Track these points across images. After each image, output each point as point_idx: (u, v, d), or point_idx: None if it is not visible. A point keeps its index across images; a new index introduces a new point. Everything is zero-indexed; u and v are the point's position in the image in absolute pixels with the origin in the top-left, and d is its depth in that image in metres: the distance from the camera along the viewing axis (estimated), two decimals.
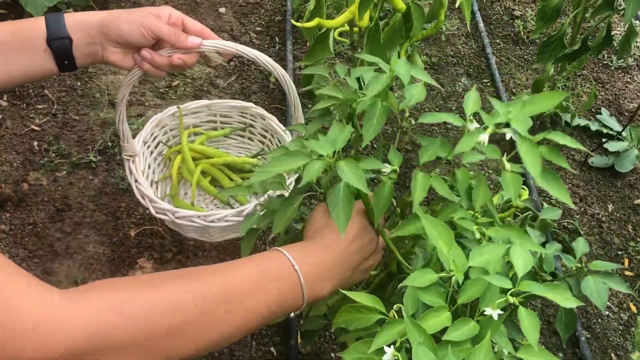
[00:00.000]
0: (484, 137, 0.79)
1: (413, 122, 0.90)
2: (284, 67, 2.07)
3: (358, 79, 0.96)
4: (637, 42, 2.31)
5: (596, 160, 1.97)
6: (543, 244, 1.02)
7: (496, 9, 2.51)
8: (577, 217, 1.78)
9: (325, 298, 0.85)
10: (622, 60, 2.32)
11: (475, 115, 0.84)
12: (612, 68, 2.30)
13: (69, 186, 1.60)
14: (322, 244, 0.85)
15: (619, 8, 1.53)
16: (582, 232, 1.73)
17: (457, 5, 1.15)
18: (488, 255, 0.75)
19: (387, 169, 0.85)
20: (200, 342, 0.71)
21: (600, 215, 1.80)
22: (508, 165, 0.81)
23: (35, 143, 1.68)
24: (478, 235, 0.81)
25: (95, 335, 0.62)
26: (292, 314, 0.84)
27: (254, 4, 2.31)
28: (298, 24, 1.12)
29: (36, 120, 1.73)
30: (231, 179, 1.50)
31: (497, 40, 2.38)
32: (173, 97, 1.91)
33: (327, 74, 1.05)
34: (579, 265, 0.89)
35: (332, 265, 0.84)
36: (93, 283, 0.68)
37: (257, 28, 2.22)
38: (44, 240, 1.49)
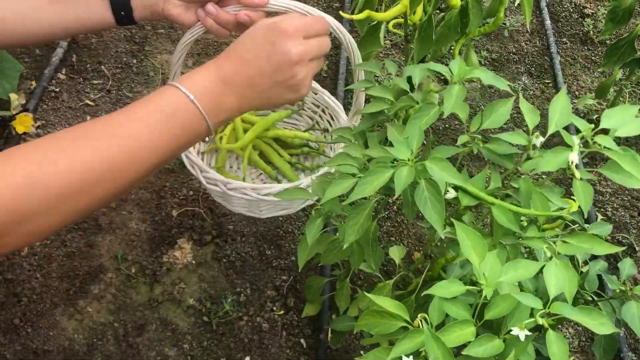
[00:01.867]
0: (574, 157, 0.77)
1: (481, 145, 0.87)
2: (338, 55, 2.04)
3: (409, 79, 0.93)
4: None
5: None
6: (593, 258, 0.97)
7: (565, 6, 2.39)
8: (634, 231, 1.68)
9: (236, 113, 0.86)
10: None
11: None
12: None
13: None
14: (235, 56, 0.84)
15: None
16: (637, 249, 1.64)
17: (516, 4, 1.08)
18: (522, 271, 0.71)
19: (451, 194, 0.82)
20: (109, 195, 0.74)
21: None
22: (578, 174, 0.77)
23: (88, 117, 1.72)
24: (549, 254, 0.77)
25: (10, 208, 0.66)
26: (206, 138, 0.86)
27: None
28: (347, 15, 1.08)
29: (91, 95, 1.77)
30: (280, 155, 1.46)
31: (564, 39, 2.27)
32: None
33: (378, 71, 1.02)
34: (623, 288, 0.84)
35: (240, 83, 0.83)
36: (9, 151, 0.70)
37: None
38: None
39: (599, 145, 0.78)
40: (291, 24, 0.85)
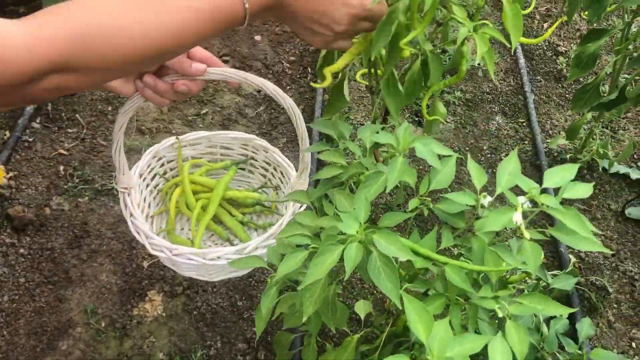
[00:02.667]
0: (518, 217, 0.77)
1: (431, 205, 0.88)
2: (313, 98, 2.06)
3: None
4: None
5: (634, 211, 1.86)
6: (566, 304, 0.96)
7: (540, 44, 2.43)
8: (607, 272, 1.69)
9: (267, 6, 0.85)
10: None
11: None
12: None
13: (89, 212, 1.63)
14: None
15: None
16: (611, 290, 1.64)
17: (477, 62, 1.09)
18: (470, 345, 0.71)
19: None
20: (144, 49, 0.74)
21: (633, 273, 1.70)
22: (527, 235, 0.78)
23: (62, 167, 1.72)
24: (501, 314, 0.77)
25: (53, 61, 0.68)
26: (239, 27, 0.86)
27: (289, 32, 2.31)
28: (317, 85, 1.09)
29: (65, 144, 1.78)
30: (232, 215, 1.46)
31: (538, 77, 2.30)
32: (201, 125, 1.93)
33: (334, 134, 1.03)
34: (580, 352, 0.84)
35: None
36: (46, 11, 0.70)
37: (291, 58, 2.22)
38: (60, 266, 1.52)
39: (545, 205, 0.79)
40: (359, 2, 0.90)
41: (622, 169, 1.96)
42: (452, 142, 2.01)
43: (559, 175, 0.82)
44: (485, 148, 2.02)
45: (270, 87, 1.07)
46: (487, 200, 0.85)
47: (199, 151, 1.48)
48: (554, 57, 2.39)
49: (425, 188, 0.86)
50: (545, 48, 2.42)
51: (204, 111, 1.96)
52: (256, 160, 1.49)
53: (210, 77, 1.04)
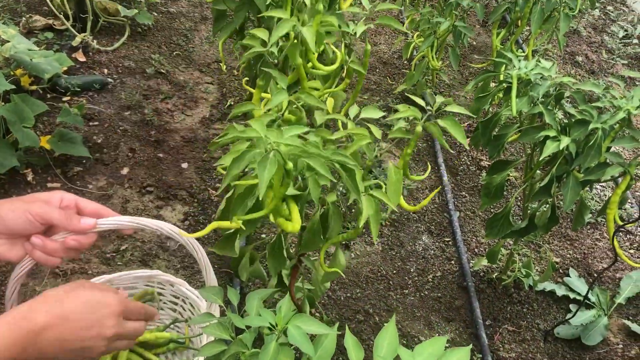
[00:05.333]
0: None
1: None
2: None
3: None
4: (591, 212, 2.26)
5: (562, 330, 1.85)
6: None
7: (463, 159, 2.50)
8: None
9: None
10: (591, 216, 2.26)
11: None
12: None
13: None
14: (56, 311, 0.85)
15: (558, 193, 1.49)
16: None
17: (361, 224, 1.09)
18: None
19: None
20: None
21: None
22: None
23: None
24: None
25: None
26: None
27: (217, 159, 2.32)
28: (187, 235, 1.07)
29: None
30: (145, 358, 1.39)
31: (463, 193, 2.35)
32: (119, 262, 1.87)
33: (220, 302, 1.00)
34: None
35: (50, 339, 0.83)
36: None
37: (217, 184, 2.21)
38: None
39: None
40: (115, 301, 0.90)
41: (549, 286, 1.97)
42: (379, 265, 2.00)
43: (429, 350, 0.80)
44: (412, 270, 2.01)
45: (166, 228, 1.05)
46: None
47: None
48: (477, 171, 2.46)
49: None
50: (469, 163, 2.49)
51: (123, 247, 1.91)
52: (164, 296, 1.45)
53: (102, 229, 1.01)
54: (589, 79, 3.19)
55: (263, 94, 1.48)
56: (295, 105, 1.30)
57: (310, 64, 1.41)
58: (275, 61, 1.42)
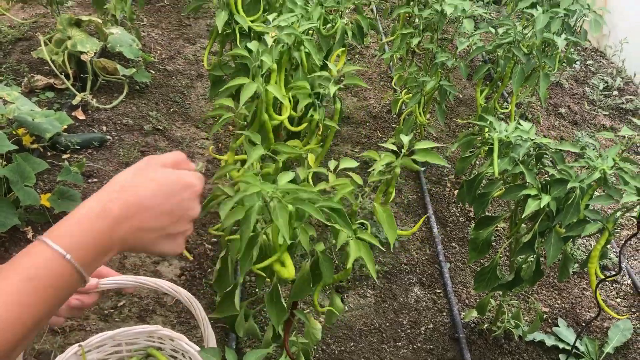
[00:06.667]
0: None
1: None
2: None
3: None
4: (575, 265, 2.32)
5: None
6: None
7: (452, 211, 2.58)
8: None
9: (113, 255, 0.77)
10: (577, 266, 2.32)
11: None
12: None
13: None
14: (132, 200, 0.75)
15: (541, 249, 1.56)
16: None
17: (349, 265, 1.16)
18: None
19: None
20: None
21: None
22: None
23: None
24: None
25: None
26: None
27: (213, 213, 2.38)
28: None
29: None
30: None
31: (453, 244, 2.41)
32: (117, 319, 1.90)
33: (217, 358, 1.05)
34: None
35: (129, 230, 0.75)
36: None
37: (213, 239, 2.26)
38: None
39: None
40: (196, 180, 0.82)
41: (538, 336, 2.01)
42: (372, 318, 2.04)
43: None
44: (405, 323, 2.05)
45: (166, 285, 1.10)
46: None
47: (105, 353, 1.48)
48: (466, 222, 2.52)
49: None
50: (458, 214, 2.56)
51: (121, 303, 1.95)
52: (164, 350, 1.49)
53: (104, 288, 1.05)
54: (572, 130, 3.30)
55: (236, 157, 1.57)
56: (272, 158, 1.39)
57: (275, 121, 1.51)
58: (245, 122, 1.50)
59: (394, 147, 1.29)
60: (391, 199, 1.28)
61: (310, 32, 1.58)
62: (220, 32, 1.67)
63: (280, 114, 1.52)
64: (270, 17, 1.55)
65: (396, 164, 1.19)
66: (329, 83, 1.49)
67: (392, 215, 1.24)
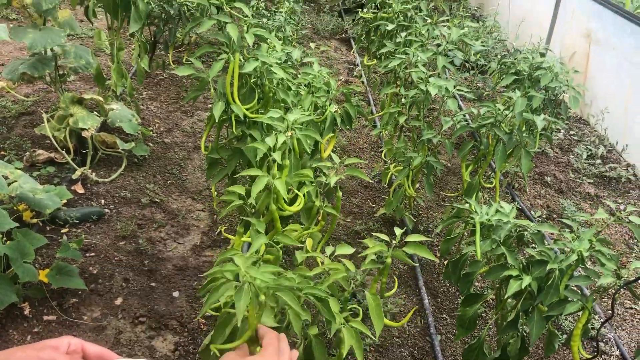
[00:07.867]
0: None
1: None
2: None
3: None
4: (560, 341, 2.35)
5: None
6: None
7: (442, 282, 2.63)
8: None
9: None
10: (565, 337, 2.36)
11: None
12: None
13: None
14: None
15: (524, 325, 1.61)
16: None
17: (344, 354, 1.21)
18: None
19: None
20: None
21: None
22: None
23: None
24: None
25: None
26: None
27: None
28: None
29: None
30: None
31: (444, 315, 2.45)
32: None
33: None
34: None
35: None
36: None
37: (207, 314, 2.30)
38: None
39: None
40: None
41: None
42: None
43: None
44: None
45: None
46: None
47: None
48: (456, 293, 2.57)
49: None
50: (448, 285, 2.61)
51: None
52: None
53: None
54: (558, 198, 3.40)
55: (243, 238, 1.64)
56: (273, 246, 1.46)
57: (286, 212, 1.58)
58: (253, 210, 1.58)
59: (386, 238, 1.36)
60: (384, 289, 1.35)
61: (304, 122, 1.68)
62: (217, 120, 1.77)
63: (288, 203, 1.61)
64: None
65: (387, 254, 1.26)
66: (331, 173, 1.59)
67: (380, 305, 1.30)
